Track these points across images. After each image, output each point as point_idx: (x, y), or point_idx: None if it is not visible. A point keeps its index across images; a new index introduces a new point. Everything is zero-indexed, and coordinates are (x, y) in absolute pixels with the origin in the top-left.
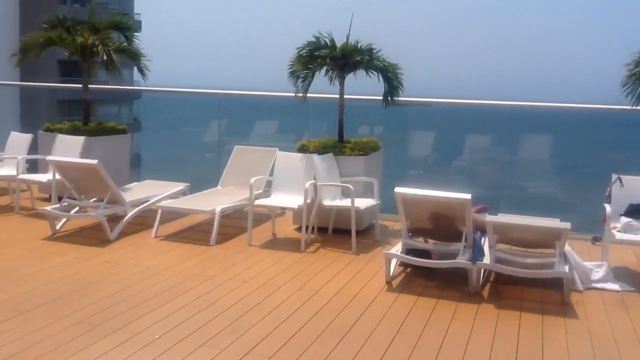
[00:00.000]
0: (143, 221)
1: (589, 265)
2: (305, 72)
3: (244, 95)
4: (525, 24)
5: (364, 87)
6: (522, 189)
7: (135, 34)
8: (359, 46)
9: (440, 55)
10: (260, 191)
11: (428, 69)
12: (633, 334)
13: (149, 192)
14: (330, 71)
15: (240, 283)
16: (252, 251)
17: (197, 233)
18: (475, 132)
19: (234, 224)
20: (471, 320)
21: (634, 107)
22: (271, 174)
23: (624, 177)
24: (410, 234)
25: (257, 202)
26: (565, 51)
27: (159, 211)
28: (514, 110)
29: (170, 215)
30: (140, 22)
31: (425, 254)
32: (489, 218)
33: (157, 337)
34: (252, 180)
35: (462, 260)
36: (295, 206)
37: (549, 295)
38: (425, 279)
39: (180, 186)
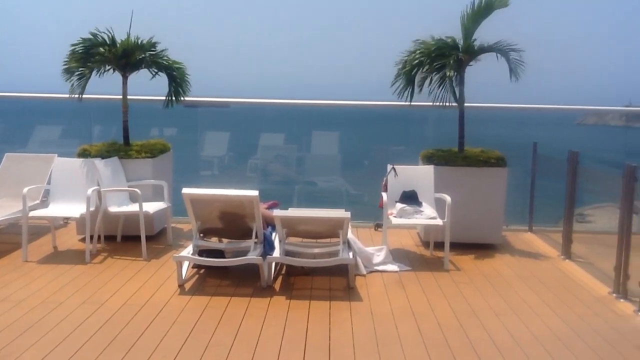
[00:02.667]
0: None
1: (370, 250)
2: (81, 70)
3: (16, 97)
4: (319, 23)
5: (155, 87)
6: (312, 183)
7: None
8: (140, 43)
9: (240, 55)
10: (38, 202)
11: (229, 69)
12: (409, 309)
13: None
14: (112, 70)
15: (13, 304)
16: (29, 268)
17: None
18: (270, 131)
19: (7, 239)
20: (263, 314)
21: (407, 103)
22: (50, 183)
23: (398, 167)
24: (201, 234)
25: (32, 213)
26: (346, 51)
27: None
28: (303, 109)
29: None
30: None
31: (218, 253)
32: (276, 213)
33: None
34: (25, 190)
35: (252, 256)
36: (78, 215)
37: (336, 281)
38: (219, 278)
39: None
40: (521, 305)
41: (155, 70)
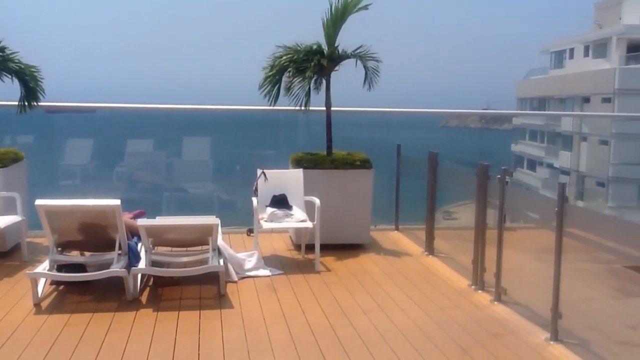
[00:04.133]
0: None
1: (241, 255)
2: None
3: None
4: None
5: (6, 91)
6: (182, 190)
7: None
8: None
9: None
10: None
11: (98, 72)
12: (280, 313)
13: None
14: None
15: None
16: None
17: None
18: (137, 137)
19: None
20: (128, 329)
21: (272, 107)
22: None
23: (268, 172)
24: (60, 248)
25: None
26: (218, 55)
27: None
28: (174, 114)
29: None
30: None
31: (80, 267)
32: (140, 222)
33: None
34: None
35: (115, 269)
36: None
37: (206, 290)
38: (81, 294)
39: None
40: (387, 301)
41: (8, 75)
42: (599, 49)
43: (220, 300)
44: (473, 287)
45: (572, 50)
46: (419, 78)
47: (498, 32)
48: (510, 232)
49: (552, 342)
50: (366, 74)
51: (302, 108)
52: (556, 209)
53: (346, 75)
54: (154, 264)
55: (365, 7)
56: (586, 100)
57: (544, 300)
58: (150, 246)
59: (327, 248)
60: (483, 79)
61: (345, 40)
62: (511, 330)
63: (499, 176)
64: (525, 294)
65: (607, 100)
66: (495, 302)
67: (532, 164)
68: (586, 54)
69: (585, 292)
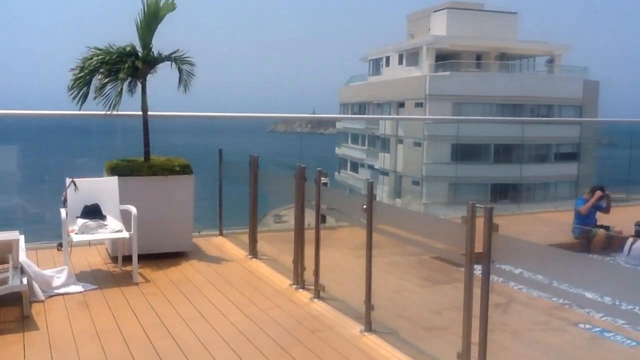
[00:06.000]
0: None
1: (49, 272)
2: None
3: None
4: None
5: None
6: None
7: None
8: None
9: None
10: None
11: None
12: (93, 330)
13: None
14: None
15: None
16: None
17: None
18: None
19: None
20: None
21: (81, 112)
22: None
23: (79, 180)
24: None
25: None
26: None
27: None
28: None
29: None
30: None
31: None
32: None
33: None
34: None
35: None
36: None
37: (7, 312)
38: None
39: None
40: (209, 307)
41: None
42: (412, 57)
43: (24, 323)
44: (294, 286)
45: (388, 59)
46: (247, 85)
47: (323, 41)
48: (330, 231)
49: (366, 333)
50: (180, 76)
51: (110, 112)
52: (364, 206)
53: (167, 80)
54: None
55: (173, 8)
56: (401, 105)
57: (359, 294)
58: None
59: (146, 258)
60: (310, 85)
61: (164, 44)
62: (329, 325)
63: (315, 178)
64: (343, 289)
65: (419, 104)
66: (315, 300)
67: (355, 166)
68: (400, 62)
69: (397, 283)
